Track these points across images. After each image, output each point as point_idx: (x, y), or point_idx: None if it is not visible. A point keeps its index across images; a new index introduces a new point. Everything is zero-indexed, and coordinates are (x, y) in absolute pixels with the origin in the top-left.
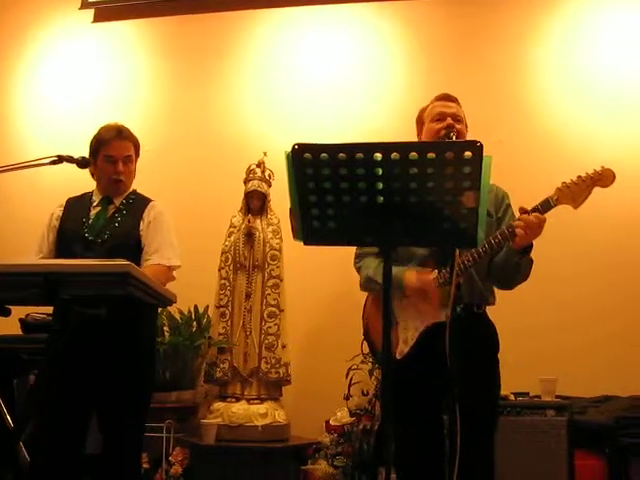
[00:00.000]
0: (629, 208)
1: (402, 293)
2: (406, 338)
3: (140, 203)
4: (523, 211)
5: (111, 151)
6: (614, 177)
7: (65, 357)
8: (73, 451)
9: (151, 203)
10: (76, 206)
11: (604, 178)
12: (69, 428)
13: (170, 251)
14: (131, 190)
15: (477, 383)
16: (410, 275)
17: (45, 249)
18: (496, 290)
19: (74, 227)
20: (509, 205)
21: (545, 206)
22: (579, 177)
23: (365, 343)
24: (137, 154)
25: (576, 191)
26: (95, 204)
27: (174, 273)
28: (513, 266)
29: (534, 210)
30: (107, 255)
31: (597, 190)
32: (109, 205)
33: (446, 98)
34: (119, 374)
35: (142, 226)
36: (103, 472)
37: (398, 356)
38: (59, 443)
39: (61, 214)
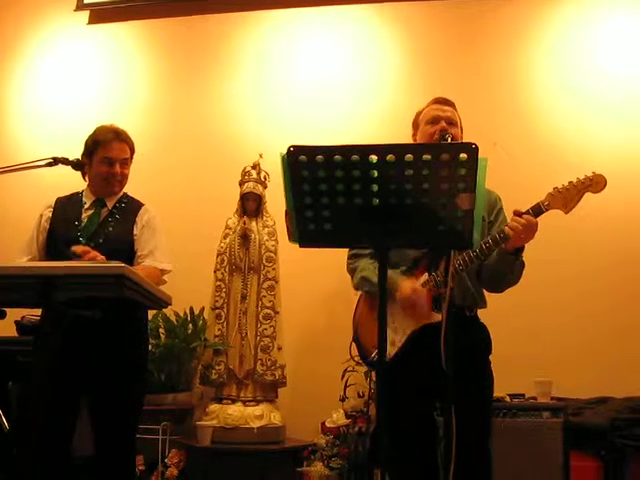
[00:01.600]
0: (622, 211)
1: (393, 297)
2: (394, 340)
3: (133, 207)
4: (517, 214)
5: (109, 152)
6: (605, 183)
7: (57, 358)
8: (61, 450)
9: (144, 207)
10: (66, 207)
11: (595, 184)
12: (57, 427)
13: (162, 255)
14: (122, 194)
15: (470, 385)
16: (406, 286)
17: (34, 251)
18: (488, 293)
19: (66, 230)
20: (501, 209)
21: (536, 211)
22: (570, 182)
23: (355, 346)
24: (132, 158)
25: (567, 196)
26: (87, 206)
27: (165, 277)
28: (506, 269)
29: (526, 214)
30: None
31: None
32: (102, 208)
33: (442, 102)
34: (112, 375)
35: (135, 230)
36: (96, 474)
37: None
38: (47, 442)
39: (51, 215)
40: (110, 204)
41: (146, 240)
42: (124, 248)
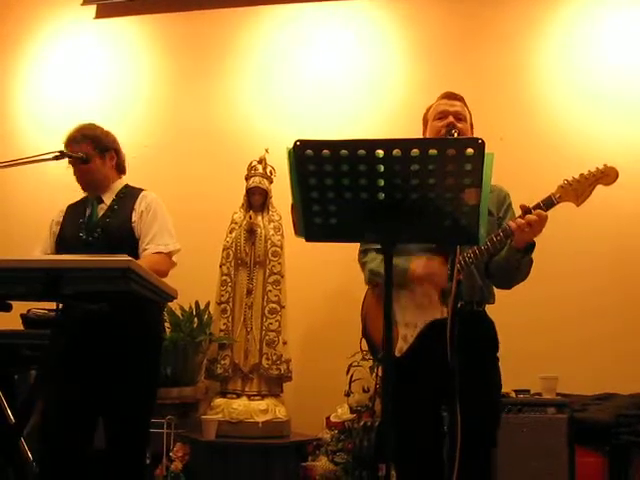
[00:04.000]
0: (631, 207)
1: (406, 283)
2: (405, 335)
3: (131, 196)
4: (524, 209)
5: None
6: (617, 175)
7: (68, 352)
8: (79, 449)
9: (142, 193)
10: (74, 211)
11: (606, 176)
12: (75, 425)
13: (167, 237)
14: (123, 185)
15: (477, 382)
16: (418, 262)
17: (49, 251)
18: (496, 288)
19: (72, 230)
20: (510, 205)
21: (547, 203)
22: (582, 175)
23: (364, 341)
24: (101, 148)
25: (578, 189)
26: (88, 205)
27: (174, 258)
28: (514, 265)
29: (536, 207)
30: (103, 251)
31: (599, 186)
32: (99, 204)
33: (450, 96)
34: (123, 370)
35: (134, 217)
36: (107, 468)
37: (397, 353)
38: (64, 441)
39: (61, 220)
40: (108, 199)
41: (148, 226)
42: (124, 238)
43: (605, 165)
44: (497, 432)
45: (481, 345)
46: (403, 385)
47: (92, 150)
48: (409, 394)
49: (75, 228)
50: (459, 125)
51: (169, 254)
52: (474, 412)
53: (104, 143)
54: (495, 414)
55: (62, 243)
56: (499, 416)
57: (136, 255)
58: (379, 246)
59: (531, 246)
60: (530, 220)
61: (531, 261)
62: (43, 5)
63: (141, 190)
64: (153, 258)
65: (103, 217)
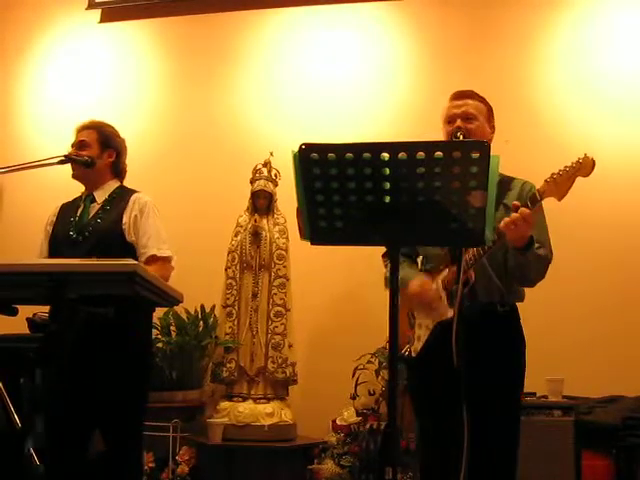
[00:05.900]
0: (635, 207)
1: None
2: (420, 336)
3: (123, 196)
4: (515, 207)
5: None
6: (593, 165)
7: (68, 356)
8: (79, 451)
9: (135, 195)
10: (67, 210)
11: (582, 167)
12: (75, 428)
13: (161, 242)
14: (117, 186)
15: (493, 385)
16: (413, 284)
17: (45, 253)
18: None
19: (63, 229)
20: None
21: (532, 200)
22: (564, 168)
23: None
24: (102, 141)
25: (560, 182)
26: (80, 203)
27: (175, 275)
28: (521, 263)
29: (524, 206)
30: (91, 252)
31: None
32: (91, 203)
33: (459, 96)
34: (118, 373)
35: (125, 219)
36: (104, 471)
37: (413, 354)
38: (66, 443)
39: (54, 219)
40: (101, 198)
41: (144, 228)
42: (114, 238)
43: (585, 155)
44: (518, 435)
45: (495, 345)
46: (420, 384)
47: (95, 140)
48: (425, 393)
49: (66, 227)
50: (470, 126)
51: (168, 259)
52: (489, 415)
53: (109, 139)
54: (515, 417)
55: (53, 242)
56: (514, 416)
57: (124, 257)
58: (402, 250)
59: (529, 243)
60: (514, 219)
61: (538, 257)
62: (47, 9)
63: (134, 191)
64: (157, 266)
65: (94, 217)
